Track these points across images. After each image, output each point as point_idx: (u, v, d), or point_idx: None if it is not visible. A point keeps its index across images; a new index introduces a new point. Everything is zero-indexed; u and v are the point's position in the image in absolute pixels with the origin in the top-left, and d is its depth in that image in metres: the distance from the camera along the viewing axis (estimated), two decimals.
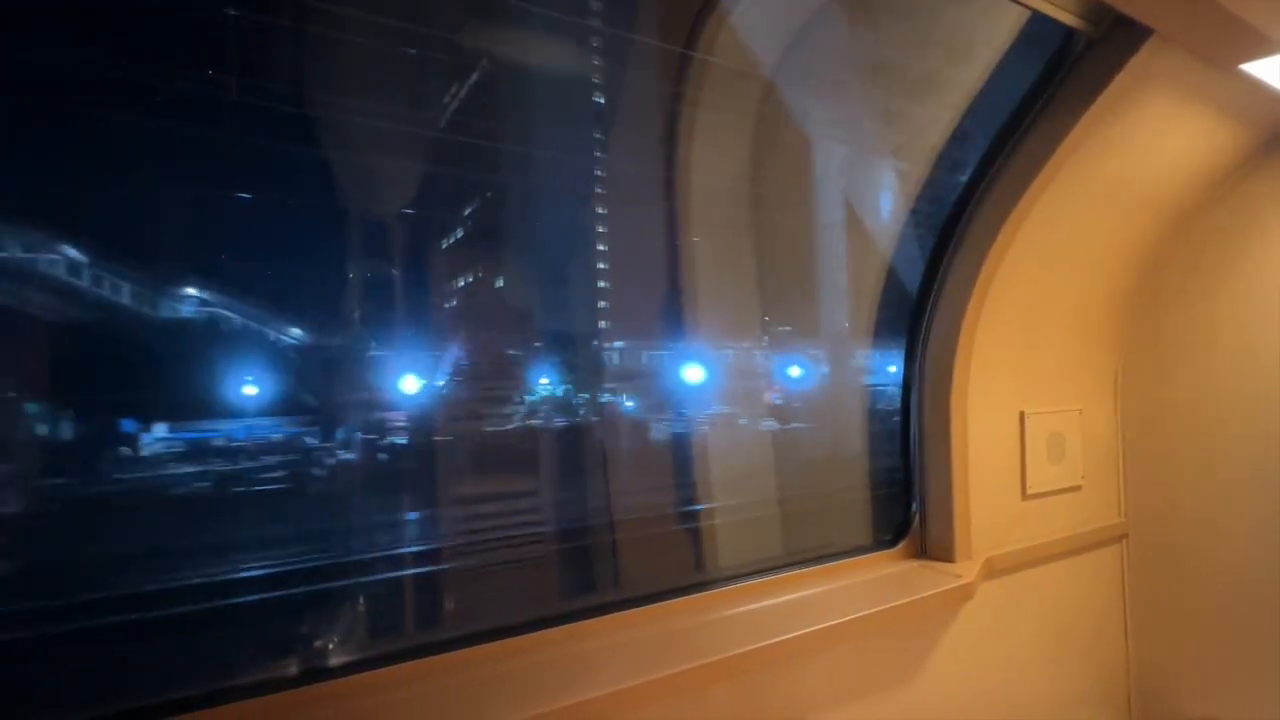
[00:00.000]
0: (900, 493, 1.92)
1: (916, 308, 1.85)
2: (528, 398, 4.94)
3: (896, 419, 1.94)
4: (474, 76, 4.65)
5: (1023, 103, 1.61)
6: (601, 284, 5.50)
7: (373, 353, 4.44)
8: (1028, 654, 1.93)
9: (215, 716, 0.98)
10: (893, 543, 1.88)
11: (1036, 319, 1.93)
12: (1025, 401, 1.95)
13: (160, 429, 3.81)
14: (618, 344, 5.58)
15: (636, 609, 1.39)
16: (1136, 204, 1.90)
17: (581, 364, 5.34)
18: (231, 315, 4.12)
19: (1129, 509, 2.21)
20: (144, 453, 3.72)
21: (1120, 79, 1.44)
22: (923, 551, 1.87)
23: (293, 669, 1.12)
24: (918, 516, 1.88)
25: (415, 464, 4.23)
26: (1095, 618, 2.14)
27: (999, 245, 1.68)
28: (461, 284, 5.38)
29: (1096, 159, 1.65)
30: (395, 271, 4.61)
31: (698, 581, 1.54)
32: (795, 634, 1.36)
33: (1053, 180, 1.61)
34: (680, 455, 4.10)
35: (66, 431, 3.28)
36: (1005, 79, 1.73)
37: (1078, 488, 2.08)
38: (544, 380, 5.09)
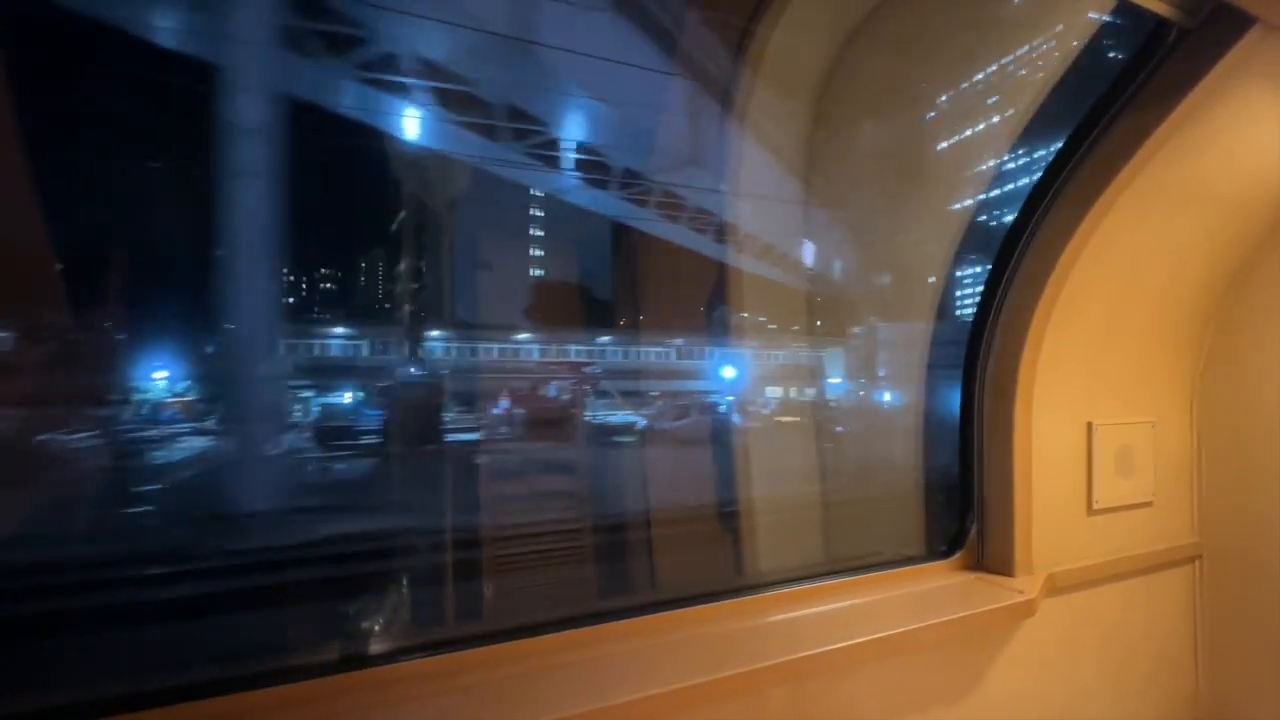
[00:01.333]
0: (957, 501, 1.85)
1: (981, 306, 1.78)
2: None
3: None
4: None
5: (1106, 95, 1.53)
6: None
7: None
8: (1089, 677, 1.84)
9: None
10: (947, 553, 1.81)
11: (1110, 324, 1.83)
12: (1094, 411, 1.86)
13: None
14: None
15: (688, 608, 1.38)
16: (1227, 205, 1.79)
17: None
18: None
19: (1203, 528, 2.09)
20: None
21: (1217, 70, 1.35)
22: (980, 564, 1.79)
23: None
24: (975, 527, 1.81)
25: None
26: (1163, 642, 2.02)
27: (1074, 244, 1.59)
28: None
29: (1186, 156, 1.55)
30: None
31: (747, 585, 1.52)
32: (850, 642, 1.32)
33: (1136, 177, 1.52)
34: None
35: None
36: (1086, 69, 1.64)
37: (1148, 504, 1.98)
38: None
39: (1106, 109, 1.52)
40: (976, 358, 1.80)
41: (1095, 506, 1.85)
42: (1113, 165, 1.51)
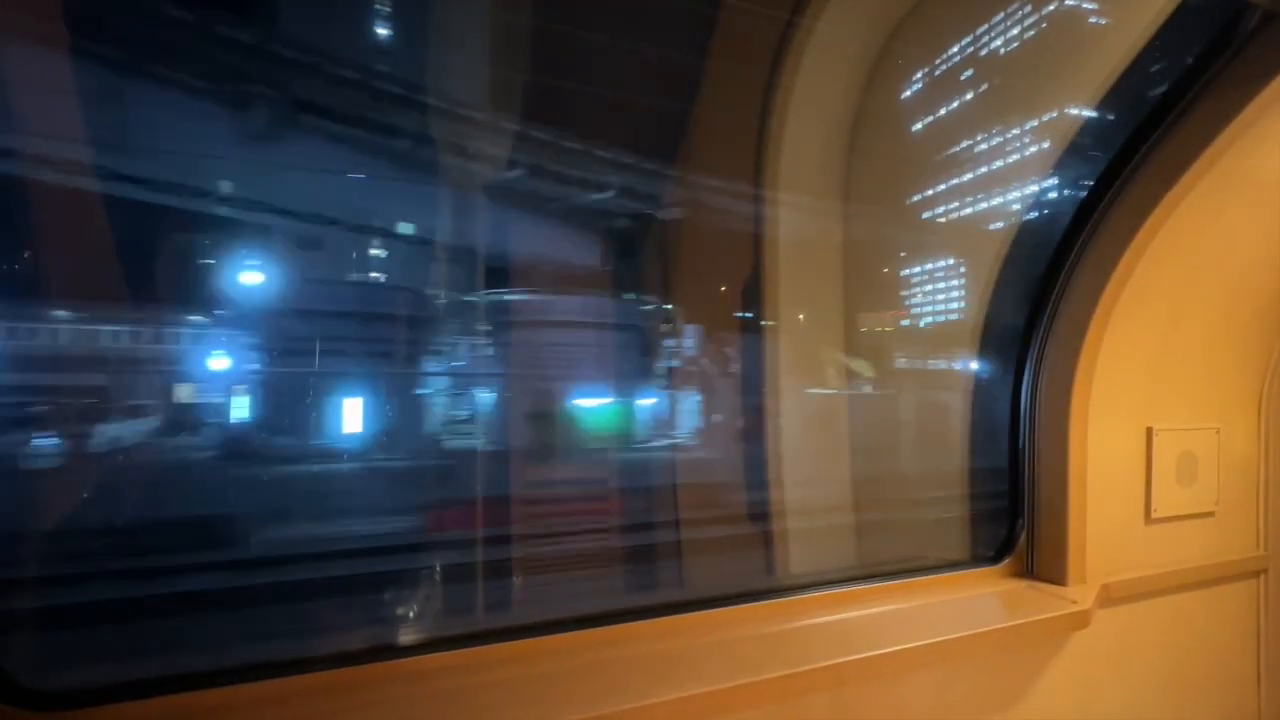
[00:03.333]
0: (1005, 506, 1.79)
1: (1036, 303, 1.71)
2: None
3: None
4: None
5: (1179, 82, 1.45)
6: None
7: None
8: (1145, 692, 1.77)
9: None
10: (995, 559, 1.76)
11: (1173, 326, 1.75)
12: (1154, 416, 1.78)
13: None
14: None
15: (728, 608, 1.36)
16: None
17: None
18: None
19: (1270, 541, 1.98)
20: None
21: None
22: (1030, 571, 1.73)
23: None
24: (1025, 533, 1.75)
25: None
26: (1224, 659, 1.93)
27: (1138, 241, 1.52)
28: None
29: (1263, 150, 1.46)
30: None
31: (788, 585, 1.49)
32: (897, 648, 1.29)
33: (1208, 172, 1.44)
34: None
35: None
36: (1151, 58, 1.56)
37: (1210, 514, 1.88)
38: None
39: (1180, 97, 1.44)
40: (1028, 357, 1.74)
41: (1154, 515, 1.77)
42: (1182, 159, 1.43)
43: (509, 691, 1.07)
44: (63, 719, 0.90)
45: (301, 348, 4.46)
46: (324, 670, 1.05)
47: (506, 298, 4.10)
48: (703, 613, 1.36)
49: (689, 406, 4.39)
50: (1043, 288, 1.70)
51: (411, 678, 1.09)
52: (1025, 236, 2.04)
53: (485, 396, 4.50)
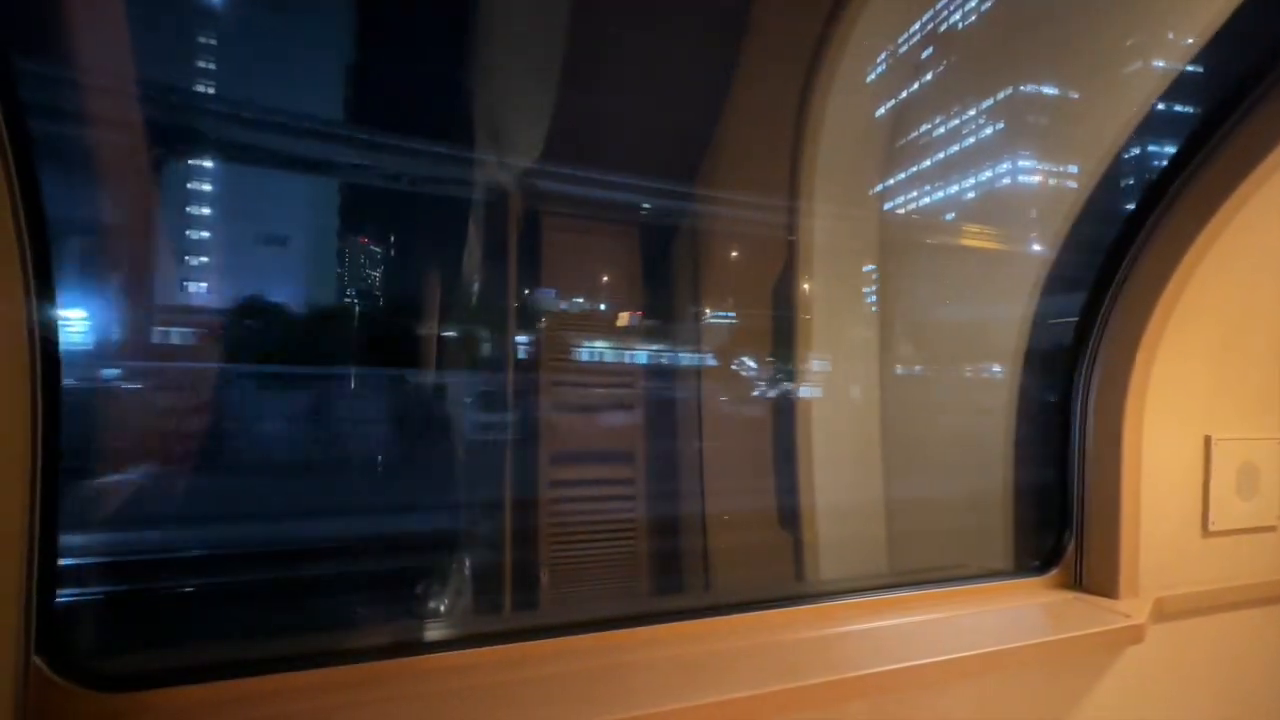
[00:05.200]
0: (1052, 514, 1.73)
1: (1090, 302, 1.64)
2: None
3: None
4: None
5: (1250, 73, 1.38)
6: None
7: None
8: (1200, 712, 1.69)
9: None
10: (1041, 569, 1.69)
11: (1237, 331, 1.66)
12: (1213, 425, 1.70)
13: None
14: None
15: (765, 611, 1.33)
16: None
17: None
18: None
19: None
20: None
21: None
22: (1078, 583, 1.67)
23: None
24: (1073, 543, 1.68)
25: None
26: None
27: (1201, 241, 1.45)
28: None
29: None
30: None
31: (826, 590, 1.45)
32: (940, 659, 1.24)
33: None
34: None
35: None
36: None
37: (1272, 529, 1.79)
38: None
39: (1251, 87, 1.37)
40: (1080, 360, 1.67)
41: (1212, 528, 1.69)
42: (1255, 150, 1.36)
43: (540, 689, 1.06)
44: (139, 700, 0.92)
45: None
46: (339, 666, 1.05)
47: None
48: (737, 616, 1.33)
49: None
50: (1097, 286, 1.63)
51: (441, 674, 1.08)
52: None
53: None
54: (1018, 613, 1.52)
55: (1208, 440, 1.69)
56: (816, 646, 1.28)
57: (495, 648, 1.12)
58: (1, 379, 0.79)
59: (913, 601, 1.50)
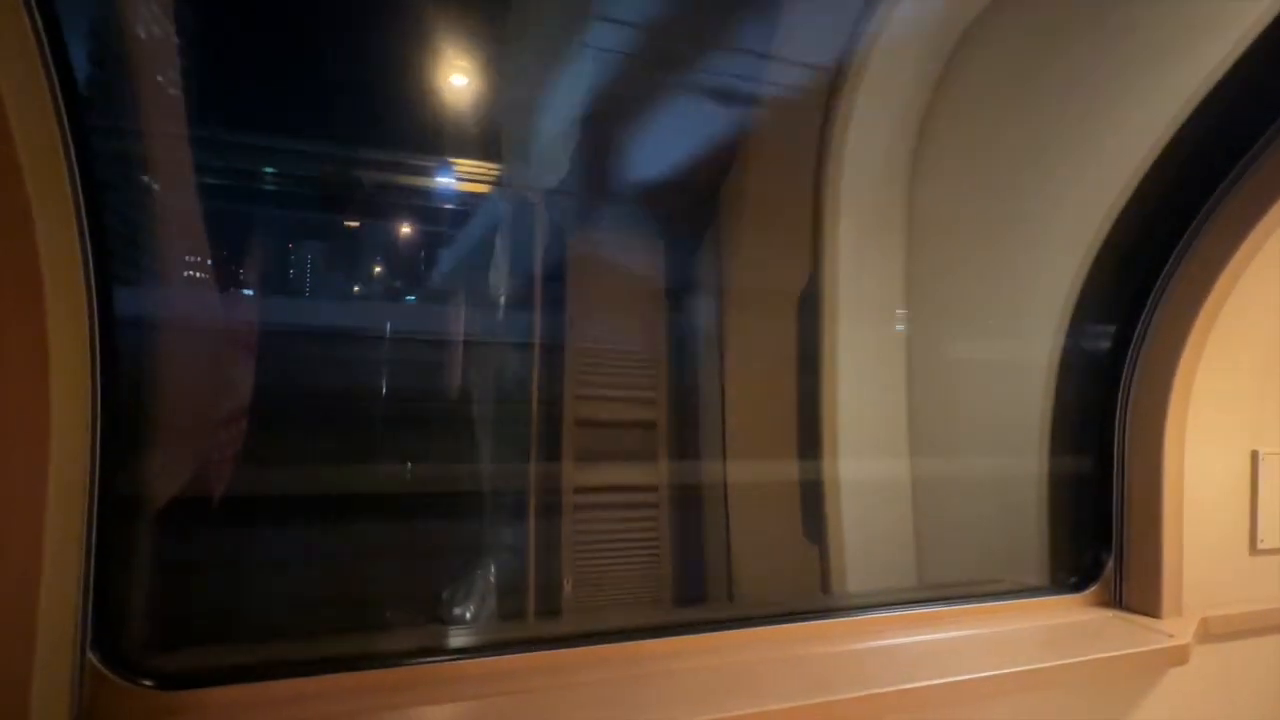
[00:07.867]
0: (1091, 529, 1.69)
1: (1129, 311, 1.60)
2: None
3: None
4: None
5: None
6: None
7: None
8: None
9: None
10: (1079, 586, 1.65)
11: None
12: (1261, 438, 1.65)
13: None
14: None
15: (799, 624, 1.32)
16: None
17: None
18: None
19: None
20: None
21: None
22: (1117, 601, 1.62)
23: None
24: (1112, 559, 1.64)
25: None
26: None
27: (1248, 245, 1.41)
28: None
29: None
30: None
31: (858, 604, 1.44)
32: (976, 675, 1.22)
33: None
34: None
35: None
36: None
37: None
38: None
39: None
40: (1120, 367, 1.63)
41: (1260, 546, 1.64)
42: None
43: (572, 695, 1.06)
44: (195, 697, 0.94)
45: None
46: (402, 666, 1.07)
47: None
48: (768, 628, 1.32)
49: None
50: (1138, 290, 1.59)
51: (473, 680, 1.09)
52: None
53: None
54: (1056, 631, 1.48)
55: (1255, 455, 1.64)
56: (848, 661, 1.27)
57: (527, 654, 1.13)
58: (60, 359, 0.77)
59: (946, 617, 1.48)
